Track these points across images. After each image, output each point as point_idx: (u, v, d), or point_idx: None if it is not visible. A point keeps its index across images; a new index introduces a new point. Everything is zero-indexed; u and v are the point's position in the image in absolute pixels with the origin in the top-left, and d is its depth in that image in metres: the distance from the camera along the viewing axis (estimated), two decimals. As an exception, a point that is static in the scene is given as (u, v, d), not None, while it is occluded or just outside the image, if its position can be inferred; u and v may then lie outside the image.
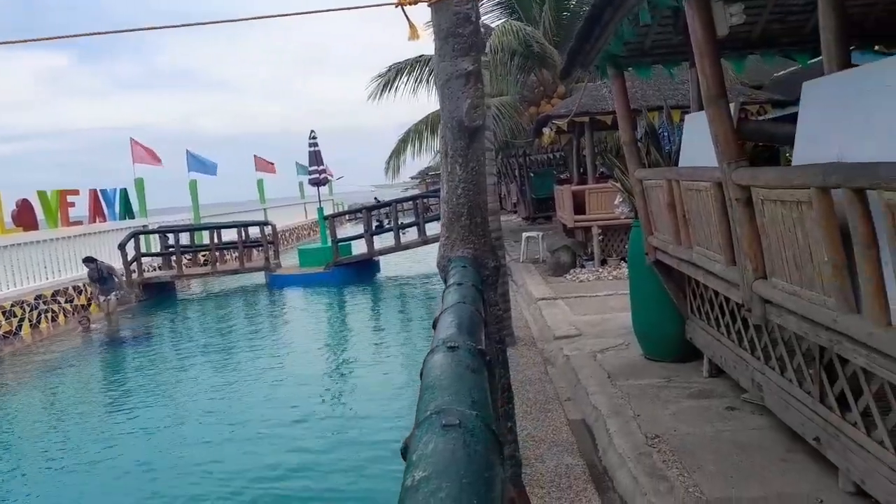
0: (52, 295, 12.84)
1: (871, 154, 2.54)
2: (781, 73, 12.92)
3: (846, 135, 2.79)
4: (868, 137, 2.61)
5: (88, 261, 13.33)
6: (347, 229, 23.50)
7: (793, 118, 3.49)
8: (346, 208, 27.19)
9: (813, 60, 5.51)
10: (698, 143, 4.37)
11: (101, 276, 13.25)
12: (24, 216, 14.26)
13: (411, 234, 15.87)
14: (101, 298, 13.33)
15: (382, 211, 17.83)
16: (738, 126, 4.46)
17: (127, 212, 18.12)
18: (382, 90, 18.36)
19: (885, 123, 2.51)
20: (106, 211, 17.17)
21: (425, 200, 16.81)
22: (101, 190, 17.16)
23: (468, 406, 1.09)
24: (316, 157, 17.12)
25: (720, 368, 4.73)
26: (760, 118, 10.46)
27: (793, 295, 2.91)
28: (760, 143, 5.90)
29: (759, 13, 5.17)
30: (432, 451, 0.89)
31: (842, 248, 2.46)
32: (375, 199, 36.25)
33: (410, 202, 17.37)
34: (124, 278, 14.49)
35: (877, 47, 5.85)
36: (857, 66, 3.26)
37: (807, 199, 2.57)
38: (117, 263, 15.17)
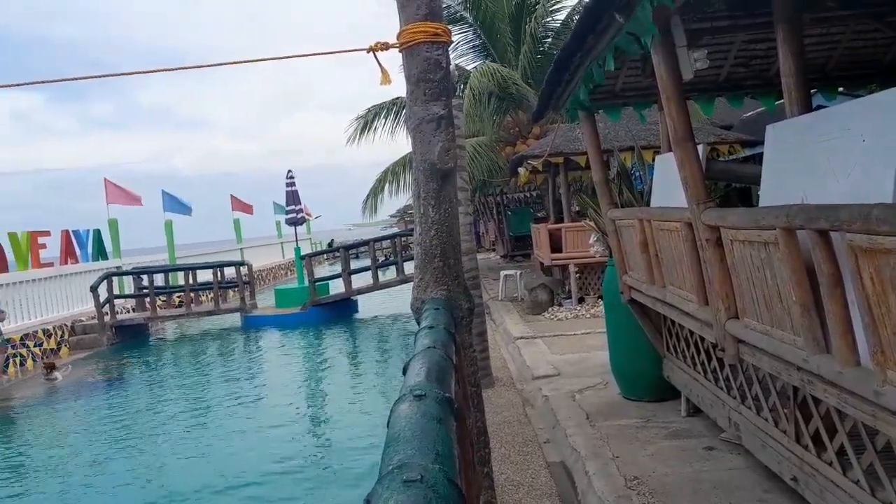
0: (21, 339, 12.52)
1: (834, 195, 2.59)
2: (750, 113, 13.28)
3: (810, 176, 2.85)
4: (830, 179, 2.67)
5: None
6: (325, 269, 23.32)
7: (761, 158, 3.56)
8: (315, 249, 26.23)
9: (779, 102, 5.66)
10: (669, 184, 4.43)
11: None
12: (-6, 258, 14.01)
13: (390, 273, 15.82)
14: None
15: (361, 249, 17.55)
16: (707, 167, 4.55)
17: (100, 253, 17.86)
18: (361, 131, 18.55)
19: (845, 166, 2.57)
20: (78, 252, 16.92)
21: (404, 239, 16.80)
22: (73, 231, 16.94)
23: (432, 460, 1.06)
24: (293, 197, 17.10)
25: (698, 408, 4.71)
26: (730, 158, 10.69)
27: (764, 334, 2.93)
28: (729, 182, 6.01)
29: (725, 58, 5.32)
30: (392, 510, 0.87)
31: (809, 288, 2.48)
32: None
33: (389, 241, 17.31)
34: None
35: (840, 89, 6.04)
36: (820, 107, 3.35)
37: (773, 240, 2.60)
38: (89, 305, 14.87)
